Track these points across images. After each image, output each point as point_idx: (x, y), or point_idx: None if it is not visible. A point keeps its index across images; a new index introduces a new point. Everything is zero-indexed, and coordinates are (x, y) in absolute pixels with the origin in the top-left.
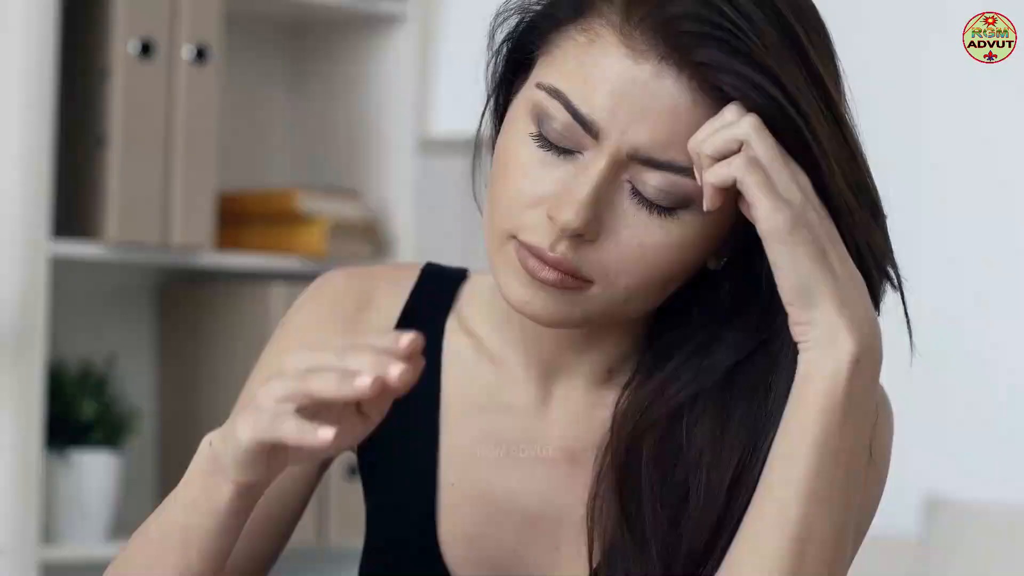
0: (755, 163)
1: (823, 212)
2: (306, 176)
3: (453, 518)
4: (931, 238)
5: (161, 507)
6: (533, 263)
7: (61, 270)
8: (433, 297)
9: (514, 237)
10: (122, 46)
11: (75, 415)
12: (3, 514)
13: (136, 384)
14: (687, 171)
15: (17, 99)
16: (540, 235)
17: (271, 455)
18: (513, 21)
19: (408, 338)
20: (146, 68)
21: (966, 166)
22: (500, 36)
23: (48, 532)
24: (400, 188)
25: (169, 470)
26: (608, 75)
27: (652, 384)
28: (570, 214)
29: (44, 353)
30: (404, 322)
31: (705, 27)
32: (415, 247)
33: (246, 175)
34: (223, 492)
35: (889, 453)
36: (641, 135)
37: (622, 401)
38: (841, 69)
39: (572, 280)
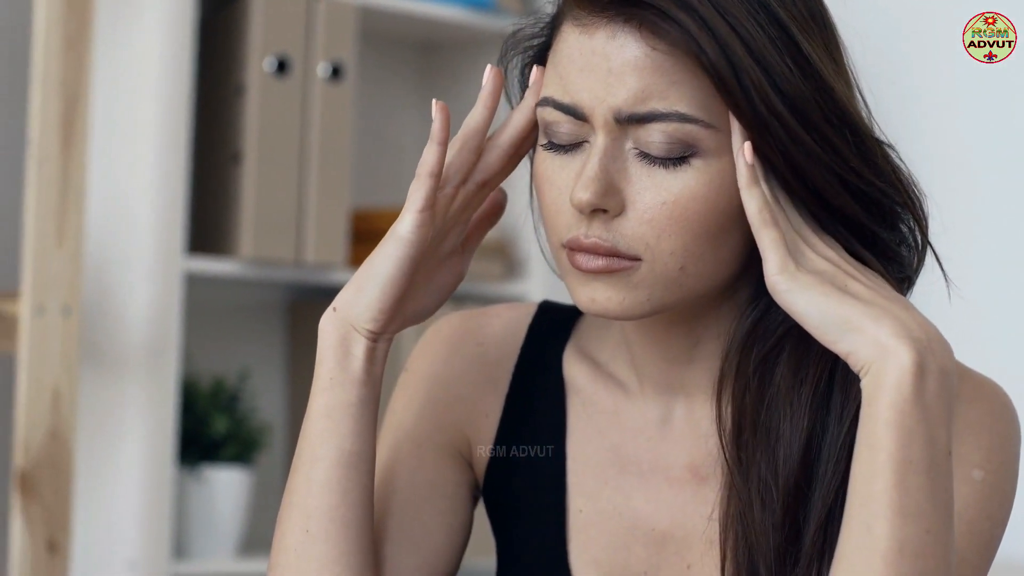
0: (776, 220)
1: (830, 241)
2: None
3: (583, 543)
4: None
5: (306, 414)
6: (579, 258)
7: (195, 286)
8: (551, 330)
9: (562, 245)
10: (258, 63)
11: (207, 431)
12: (136, 529)
13: (268, 400)
14: (673, 116)
15: (153, 116)
16: (574, 228)
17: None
18: (518, 64)
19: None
20: (281, 85)
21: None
22: (516, 84)
23: (179, 548)
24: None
25: None
26: (573, 57)
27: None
28: (582, 192)
29: (177, 369)
30: (525, 355)
31: None
32: (545, 268)
33: (379, 192)
34: (357, 352)
35: (1016, 464)
36: (617, 97)
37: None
38: (826, 14)
39: (618, 261)
